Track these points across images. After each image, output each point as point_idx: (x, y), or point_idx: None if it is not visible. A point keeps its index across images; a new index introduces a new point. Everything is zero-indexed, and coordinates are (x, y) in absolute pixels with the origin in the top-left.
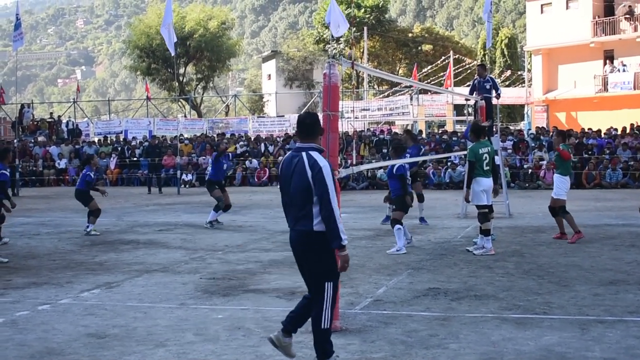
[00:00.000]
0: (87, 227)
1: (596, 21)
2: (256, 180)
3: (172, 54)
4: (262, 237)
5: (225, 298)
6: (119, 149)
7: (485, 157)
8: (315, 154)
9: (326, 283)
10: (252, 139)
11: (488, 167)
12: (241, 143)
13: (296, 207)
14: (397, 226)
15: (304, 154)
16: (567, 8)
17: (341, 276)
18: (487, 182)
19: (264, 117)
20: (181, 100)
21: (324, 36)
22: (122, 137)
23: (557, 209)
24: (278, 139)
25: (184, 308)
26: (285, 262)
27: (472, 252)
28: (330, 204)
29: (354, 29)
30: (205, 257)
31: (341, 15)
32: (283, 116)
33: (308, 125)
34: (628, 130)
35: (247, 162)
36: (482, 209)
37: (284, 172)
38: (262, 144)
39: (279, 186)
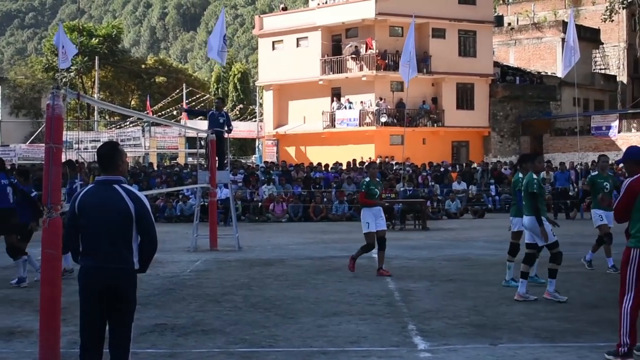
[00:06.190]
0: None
1: (325, 60)
2: None
3: None
4: None
5: None
6: None
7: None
8: (131, 187)
9: (132, 324)
10: None
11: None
12: None
13: (108, 243)
14: (24, 257)
15: (116, 186)
16: (297, 46)
17: (63, 314)
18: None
19: None
20: None
21: (54, 64)
22: None
23: None
24: None
25: None
26: (3, 301)
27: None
28: (156, 238)
29: (86, 57)
30: None
31: (70, 45)
32: (8, 146)
33: (107, 157)
34: (352, 165)
35: None
36: None
37: (87, 206)
38: None
39: (69, 222)
